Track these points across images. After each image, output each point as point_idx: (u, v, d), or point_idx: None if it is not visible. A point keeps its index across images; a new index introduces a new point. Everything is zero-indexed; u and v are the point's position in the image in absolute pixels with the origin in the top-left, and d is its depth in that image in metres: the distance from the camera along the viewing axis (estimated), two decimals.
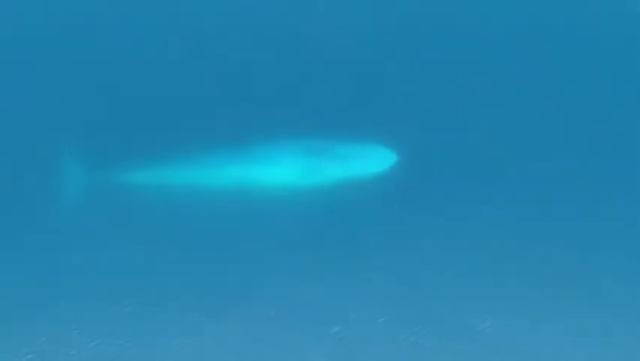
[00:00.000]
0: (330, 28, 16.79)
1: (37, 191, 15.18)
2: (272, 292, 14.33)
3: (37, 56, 16.61)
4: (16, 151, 15.53)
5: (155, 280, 14.36)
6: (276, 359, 13.73)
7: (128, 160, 15.48)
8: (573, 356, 13.68)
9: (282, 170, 15.53)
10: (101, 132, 15.80)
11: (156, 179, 15.38)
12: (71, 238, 14.74)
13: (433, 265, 14.55)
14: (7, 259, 14.49)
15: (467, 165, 15.49)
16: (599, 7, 17.12)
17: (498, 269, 14.46)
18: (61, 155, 15.42)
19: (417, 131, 15.77)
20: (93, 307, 14.07)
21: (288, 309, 14.15)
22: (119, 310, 14.08)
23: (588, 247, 14.64)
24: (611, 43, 16.81)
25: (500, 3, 17.20)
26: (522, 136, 15.79)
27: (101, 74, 16.42)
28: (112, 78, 16.38)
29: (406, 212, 15.07)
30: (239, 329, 13.93)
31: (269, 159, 15.56)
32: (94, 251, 14.61)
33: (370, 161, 15.55)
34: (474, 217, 14.96)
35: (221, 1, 17.19)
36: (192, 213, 15.08)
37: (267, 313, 14.13)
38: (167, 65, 16.53)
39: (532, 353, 13.73)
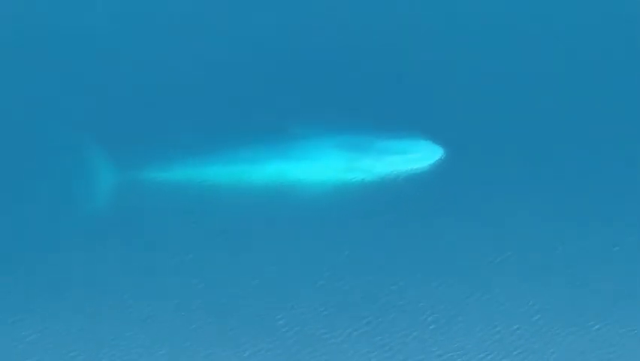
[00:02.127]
0: (369, 23, 16.34)
1: (68, 191, 14.81)
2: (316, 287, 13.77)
3: (69, 58, 16.26)
4: (48, 152, 15.16)
5: (192, 280, 13.89)
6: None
7: (164, 158, 14.99)
8: None
9: (321, 166, 14.82)
10: (135, 131, 15.39)
11: (192, 177, 14.81)
12: (104, 238, 14.30)
13: (477, 263, 13.97)
14: (39, 258, 14.08)
15: (514, 159, 14.89)
16: None
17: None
18: (93, 154, 14.98)
19: (461, 124, 15.18)
20: (127, 305, 13.68)
21: (333, 305, 13.61)
22: (152, 310, 13.64)
23: None
24: None
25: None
26: (569, 128, 15.20)
27: (133, 73, 16.04)
28: (144, 75, 16.01)
29: (453, 211, 14.40)
30: (285, 323, 13.44)
31: (307, 155, 14.87)
32: (128, 250, 14.19)
33: (416, 156, 14.77)
34: (522, 213, 14.35)
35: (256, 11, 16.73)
36: (229, 211, 14.54)
37: (309, 307, 13.61)
38: (205, 62, 16.12)
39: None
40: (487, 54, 15.93)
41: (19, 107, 15.65)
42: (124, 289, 13.74)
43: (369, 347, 13.24)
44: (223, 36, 16.33)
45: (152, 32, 16.43)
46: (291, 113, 15.21)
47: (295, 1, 16.74)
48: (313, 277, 13.81)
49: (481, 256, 13.94)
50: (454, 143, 14.85)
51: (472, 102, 15.38)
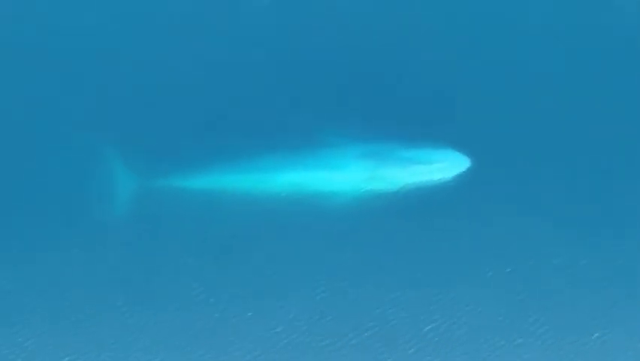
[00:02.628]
0: (395, 31, 15.96)
1: (87, 197, 14.52)
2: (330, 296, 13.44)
3: (90, 65, 15.97)
4: (68, 159, 14.86)
5: (213, 286, 13.61)
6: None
7: (184, 166, 14.67)
8: None
9: (344, 175, 14.39)
10: (155, 138, 15.09)
11: (212, 184, 14.48)
12: (123, 245, 14.07)
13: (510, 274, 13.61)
14: (59, 265, 13.82)
15: (541, 170, 14.51)
16: None
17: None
18: (112, 162, 14.69)
19: (488, 134, 14.79)
20: (145, 313, 13.37)
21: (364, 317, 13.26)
22: (170, 315, 13.36)
23: None
24: None
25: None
26: (599, 134, 14.79)
27: (153, 80, 15.75)
28: (165, 82, 15.69)
29: (476, 221, 13.98)
30: (307, 329, 13.21)
31: (330, 164, 14.45)
32: (148, 257, 13.91)
33: (441, 166, 14.35)
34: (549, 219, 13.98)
35: (279, 2, 16.43)
36: (248, 220, 14.17)
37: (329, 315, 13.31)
38: (228, 69, 15.79)
39: None
40: (513, 62, 15.59)
41: (38, 114, 15.40)
42: (138, 294, 13.49)
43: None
44: (245, 43, 16.02)
45: (173, 39, 16.14)
46: (315, 122, 14.85)
47: (316, 9, 16.41)
48: (330, 286, 13.48)
49: (502, 265, 13.57)
50: (481, 153, 14.40)
51: (499, 111, 15.02)
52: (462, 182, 14.19)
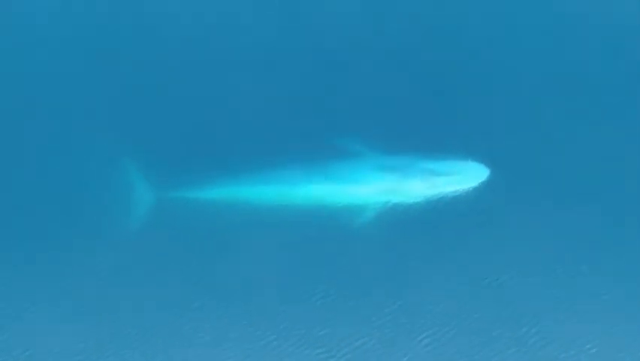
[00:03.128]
0: (409, 41, 15.97)
1: (105, 209, 14.48)
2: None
3: (106, 74, 15.97)
4: (84, 170, 14.87)
5: (229, 301, 13.59)
6: None
7: (201, 177, 14.58)
8: None
9: (364, 189, 14.37)
10: (172, 149, 15.06)
11: (229, 196, 14.42)
12: (140, 257, 13.99)
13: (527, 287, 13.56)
14: (76, 278, 13.82)
15: (564, 179, 14.47)
16: None
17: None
18: (128, 173, 14.64)
19: (508, 143, 14.75)
20: (160, 323, 13.39)
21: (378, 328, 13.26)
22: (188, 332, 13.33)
23: None
24: None
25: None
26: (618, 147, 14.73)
27: (171, 89, 15.71)
28: (182, 92, 15.66)
29: (500, 230, 13.93)
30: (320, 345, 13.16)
31: (349, 177, 14.41)
32: (163, 270, 13.87)
33: (461, 177, 14.30)
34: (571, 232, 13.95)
35: (300, 16, 16.41)
36: (266, 233, 14.10)
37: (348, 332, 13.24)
38: (243, 77, 15.74)
39: None
40: (532, 70, 15.56)
41: (54, 123, 15.42)
42: (152, 306, 13.53)
43: None
44: (264, 50, 15.98)
45: (188, 48, 16.14)
46: (333, 132, 14.82)
47: (333, 20, 16.34)
48: (346, 298, 13.51)
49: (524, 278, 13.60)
50: (501, 163, 14.36)
51: (518, 120, 15.00)
52: (482, 192, 14.14)
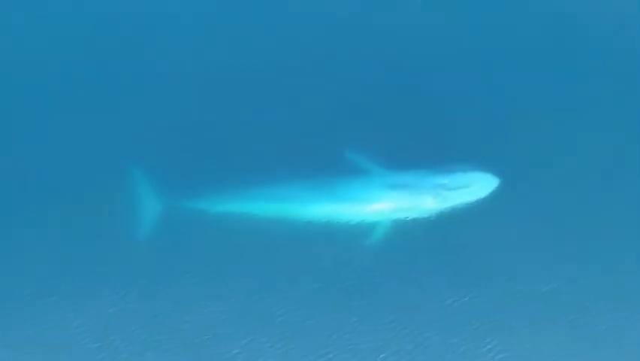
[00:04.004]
0: (410, 55, 15.57)
1: (113, 221, 14.36)
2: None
3: (115, 84, 15.59)
4: (93, 181, 14.63)
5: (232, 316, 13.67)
6: None
7: (208, 190, 14.41)
8: None
9: (374, 207, 14.18)
10: (180, 161, 14.82)
11: (234, 211, 14.28)
12: (148, 268, 14.00)
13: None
14: (84, 289, 13.85)
15: (574, 183, 14.44)
16: None
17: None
18: (138, 183, 14.46)
19: (514, 151, 14.64)
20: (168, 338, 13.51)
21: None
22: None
23: None
24: None
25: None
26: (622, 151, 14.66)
27: (179, 101, 15.35)
28: (190, 105, 15.31)
29: (514, 240, 13.99)
30: None
31: (358, 197, 14.19)
32: (171, 281, 13.91)
33: (471, 189, 14.14)
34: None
35: (308, 27, 15.87)
36: (272, 249, 14.07)
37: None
38: (252, 94, 15.42)
39: None
40: (534, 78, 15.28)
41: (61, 131, 15.17)
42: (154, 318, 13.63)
43: None
44: (264, 68, 15.58)
45: (195, 62, 15.70)
46: (340, 149, 14.57)
47: (338, 24, 15.91)
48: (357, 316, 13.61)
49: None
50: (509, 171, 14.22)
51: (525, 127, 14.83)
52: (492, 202, 14.05)
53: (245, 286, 13.80)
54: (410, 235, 14.01)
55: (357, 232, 14.09)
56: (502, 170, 14.16)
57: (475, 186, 14.10)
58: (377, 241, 13.95)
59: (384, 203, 14.08)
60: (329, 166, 14.35)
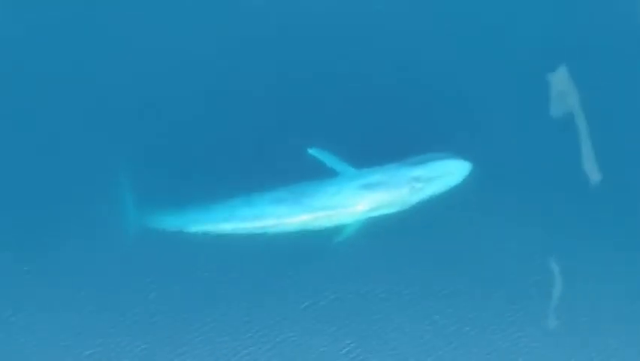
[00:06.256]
0: (370, 44, 14.92)
1: (92, 234, 13.79)
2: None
3: (102, 98, 14.72)
4: (71, 193, 14.01)
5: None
6: None
7: (168, 210, 13.77)
8: None
9: (348, 210, 13.59)
10: (163, 176, 14.12)
11: (201, 230, 13.68)
12: (128, 282, 13.60)
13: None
14: (66, 302, 13.46)
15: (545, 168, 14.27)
16: None
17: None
18: (118, 198, 13.81)
19: (485, 135, 14.34)
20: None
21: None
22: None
23: None
24: None
25: None
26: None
27: (161, 110, 14.62)
28: (173, 115, 14.58)
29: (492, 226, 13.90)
30: None
31: (330, 202, 13.53)
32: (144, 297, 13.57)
33: (445, 177, 13.68)
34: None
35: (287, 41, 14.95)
36: (250, 262, 13.70)
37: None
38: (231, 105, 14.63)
39: None
40: (504, 60, 14.85)
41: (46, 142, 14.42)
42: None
43: None
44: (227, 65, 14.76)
45: (181, 71, 14.83)
46: (306, 150, 13.94)
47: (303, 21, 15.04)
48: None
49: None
50: (482, 155, 13.85)
51: (493, 110, 14.47)
52: (467, 189, 13.68)
53: (220, 300, 13.54)
54: (388, 232, 13.66)
55: (330, 234, 13.62)
56: (474, 155, 13.76)
57: (448, 174, 13.66)
58: (352, 241, 13.55)
59: (360, 205, 13.53)
60: (297, 169, 13.71)
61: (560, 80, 14.47)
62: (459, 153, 13.73)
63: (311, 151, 13.86)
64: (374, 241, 13.59)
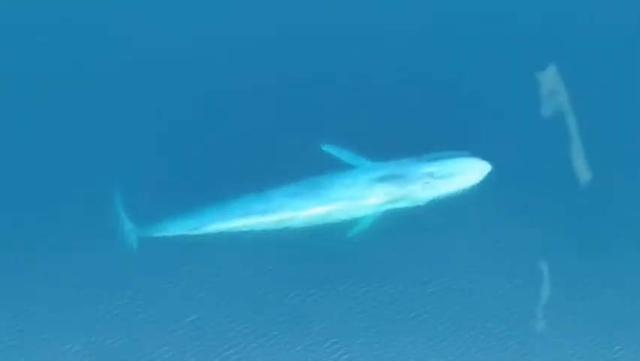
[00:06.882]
0: (394, 40, 14.98)
1: (91, 245, 13.66)
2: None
3: (97, 107, 14.74)
4: (69, 205, 13.94)
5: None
6: None
7: (186, 210, 13.60)
8: None
9: (363, 203, 13.45)
10: (155, 181, 14.09)
11: (219, 228, 13.53)
12: (127, 292, 13.50)
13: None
14: (63, 315, 13.35)
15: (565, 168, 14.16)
16: None
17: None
18: (114, 208, 13.64)
19: (506, 136, 14.29)
20: None
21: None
22: None
23: None
24: None
25: None
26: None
27: (160, 116, 14.66)
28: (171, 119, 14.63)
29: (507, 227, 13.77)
30: None
31: (345, 194, 13.42)
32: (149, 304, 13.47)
33: (463, 176, 13.45)
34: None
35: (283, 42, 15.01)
36: (267, 262, 13.68)
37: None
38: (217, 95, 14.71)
39: None
40: (524, 61, 14.77)
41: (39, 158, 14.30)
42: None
43: None
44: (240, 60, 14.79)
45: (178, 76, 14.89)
46: (322, 144, 13.91)
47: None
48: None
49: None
50: (502, 156, 13.66)
51: (515, 111, 14.40)
52: (485, 188, 13.47)
53: (235, 299, 13.47)
54: (399, 227, 13.56)
55: (345, 227, 13.55)
56: (495, 156, 13.56)
57: (466, 173, 13.45)
58: (364, 232, 13.48)
59: (373, 198, 13.40)
60: (311, 164, 13.60)
61: (549, 79, 14.34)
62: (479, 153, 13.56)
63: (324, 147, 13.81)
64: (374, 241, 13.56)
